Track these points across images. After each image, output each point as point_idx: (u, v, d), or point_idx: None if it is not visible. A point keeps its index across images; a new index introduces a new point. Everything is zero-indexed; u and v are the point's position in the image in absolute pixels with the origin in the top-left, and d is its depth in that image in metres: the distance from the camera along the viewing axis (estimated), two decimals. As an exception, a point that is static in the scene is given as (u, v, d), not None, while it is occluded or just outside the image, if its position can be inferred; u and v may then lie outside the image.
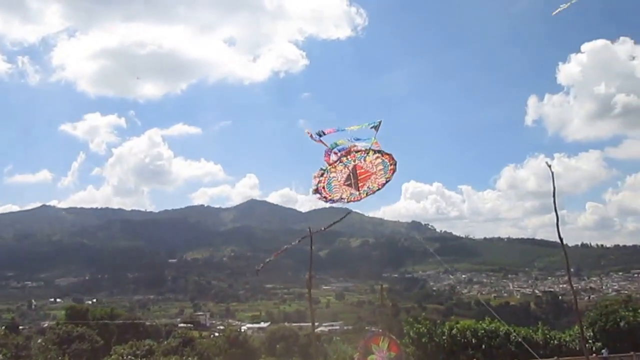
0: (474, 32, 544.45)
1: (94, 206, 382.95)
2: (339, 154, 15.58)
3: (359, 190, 16.48)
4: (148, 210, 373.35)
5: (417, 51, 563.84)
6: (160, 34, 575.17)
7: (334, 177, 16.27)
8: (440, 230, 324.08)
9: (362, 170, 16.58)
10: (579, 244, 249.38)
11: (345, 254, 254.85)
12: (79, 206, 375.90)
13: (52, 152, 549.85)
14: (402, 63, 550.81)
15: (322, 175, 15.94)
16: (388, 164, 16.64)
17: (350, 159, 16.00)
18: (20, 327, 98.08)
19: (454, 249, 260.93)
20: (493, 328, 41.06)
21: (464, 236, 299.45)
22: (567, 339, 39.75)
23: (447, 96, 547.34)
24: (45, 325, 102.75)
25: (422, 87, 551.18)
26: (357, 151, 16.35)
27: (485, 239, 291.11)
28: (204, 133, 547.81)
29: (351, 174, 16.45)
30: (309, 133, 15.29)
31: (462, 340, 40.60)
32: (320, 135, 15.25)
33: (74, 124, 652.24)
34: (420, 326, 42.19)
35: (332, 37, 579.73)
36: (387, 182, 16.22)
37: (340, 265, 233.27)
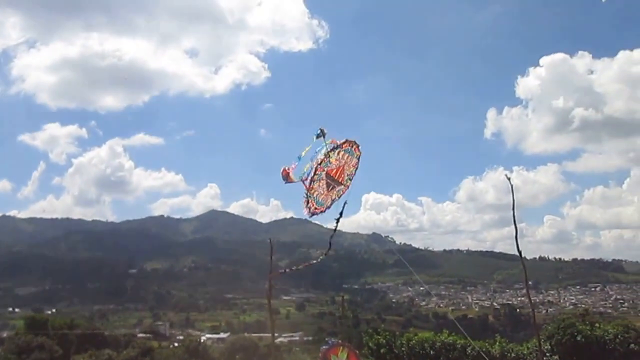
0: (434, 45, 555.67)
1: (55, 216, 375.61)
2: (309, 178, 16.62)
3: (342, 184, 16.35)
4: (109, 221, 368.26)
5: (378, 63, 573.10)
6: (120, 45, 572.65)
7: (317, 194, 17.11)
8: (400, 242, 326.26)
9: (334, 170, 16.83)
10: (537, 257, 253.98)
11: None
12: (39, 216, 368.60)
13: (11, 162, 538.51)
14: (364, 75, 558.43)
15: (308, 202, 16.87)
16: (351, 149, 16.59)
17: (320, 172, 16.84)
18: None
19: (413, 260, 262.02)
20: (450, 341, 42.00)
21: (423, 248, 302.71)
22: (525, 352, 40.71)
23: (407, 108, 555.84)
24: (4, 335, 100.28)
25: (383, 98, 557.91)
26: (319, 163, 17.28)
27: (444, 251, 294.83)
28: (166, 143, 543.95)
29: (328, 180, 16.34)
30: (285, 172, 16.42)
31: (421, 352, 41.50)
32: (285, 180, 16.37)
33: (32, 134, 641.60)
34: (379, 337, 42.95)
35: (294, 49, 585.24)
36: (358, 159, 16.54)
37: (301, 275, 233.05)
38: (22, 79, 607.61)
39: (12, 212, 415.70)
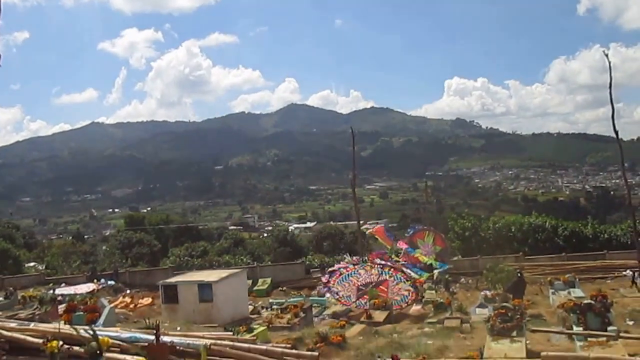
0: None
1: (140, 120, 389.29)
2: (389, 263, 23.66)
3: (356, 301, 22.34)
4: (191, 121, 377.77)
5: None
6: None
7: (356, 274, 24.29)
8: (486, 127, 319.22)
9: (385, 290, 22.88)
10: (635, 138, 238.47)
11: (388, 153, 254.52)
12: (125, 121, 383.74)
13: (94, 71, 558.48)
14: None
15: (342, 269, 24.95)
16: (409, 298, 22.30)
17: (388, 271, 23.91)
18: (85, 237, 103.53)
19: (500, 145, 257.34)
20: (540, 222, 41.12)
21: (510, 132, 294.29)
22: (619, 233, 39.58)
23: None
24: (107, 233, 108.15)
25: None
26: (402, 271, 24.06)
27: (533, 134, 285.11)
28: (241, 41, 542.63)
29: (371, 284, 22.93)
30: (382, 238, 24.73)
31: (508, 234, 40.98)
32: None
33: (112, 41, 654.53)
34: (464, 221, 42.69)
35: None
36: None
37: (383, 164, 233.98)
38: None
39: (101, 119, 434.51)
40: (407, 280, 23.82)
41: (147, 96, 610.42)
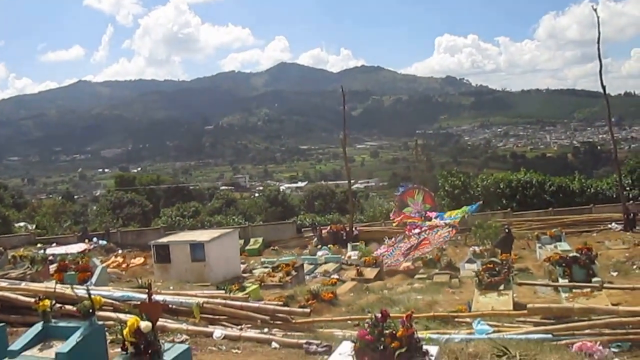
0: None
1: (128, 78, 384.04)
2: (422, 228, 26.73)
3: (404, 257, 24.23)
4: (181, 80, 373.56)
5: None
6: None
7: (398, 248, 25.82)
8: (476, 84, 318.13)
9: (427, 242, 25.09)
10: (622, 92, 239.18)
11: (379, 112, 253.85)
12: (113, 79, 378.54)
13: (80, 27, 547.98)
14: None
15: (390, 245, 26.48)
16: (449, 236, 25.12)
17: (424, 233, 26.01)
18: (75, 197, 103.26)
19: (490, 102, 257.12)
20: (527, 179, 41.57)
21: (500, 89, 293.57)
22: (604, 187, 40.20)
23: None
24: (98, 193, 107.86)
25: None
26: (437, 225, 26.59)
27: (522, 91, 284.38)
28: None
29: (413, 245, 24.91)
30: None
31: (496, 191, 41.45)
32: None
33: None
34: (454, 179, 43.06)
35: None
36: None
37: (374, 124, 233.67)
38: None
39: (88, 77, 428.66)
40: (444, 227, 26.53)
41: (135, 54, 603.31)
